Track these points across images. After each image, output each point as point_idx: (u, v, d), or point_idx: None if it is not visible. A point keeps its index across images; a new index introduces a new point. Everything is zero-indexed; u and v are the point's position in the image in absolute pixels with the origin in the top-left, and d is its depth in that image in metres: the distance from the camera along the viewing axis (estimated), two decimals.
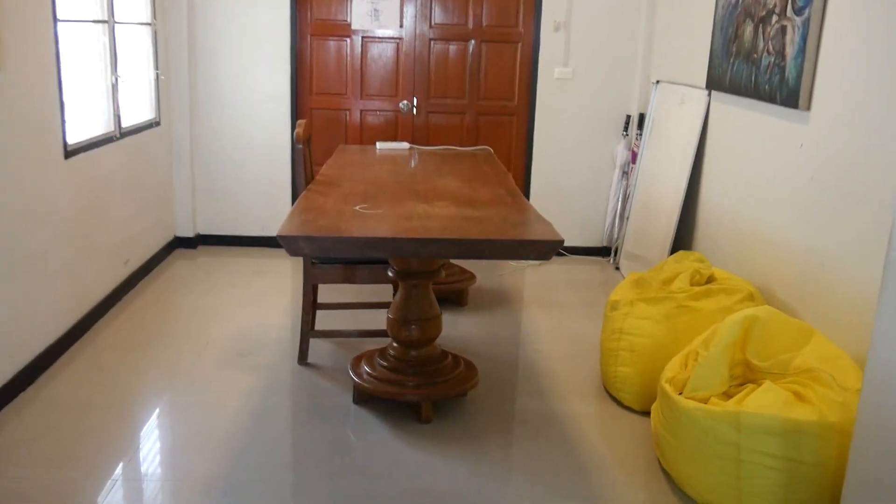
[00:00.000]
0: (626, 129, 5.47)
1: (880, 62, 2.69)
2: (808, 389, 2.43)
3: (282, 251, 5.77)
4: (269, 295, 4.61)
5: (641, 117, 5.39)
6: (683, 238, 4.50)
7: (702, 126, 4.27)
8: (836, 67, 3.01)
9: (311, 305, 3.60)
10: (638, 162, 5.20)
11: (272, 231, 5.55)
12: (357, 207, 3.03)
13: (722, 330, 2.59)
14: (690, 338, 3.15)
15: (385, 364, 3.17)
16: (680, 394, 2.59)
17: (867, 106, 2.77)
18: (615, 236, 5.58)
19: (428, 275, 3.07)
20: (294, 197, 5.50)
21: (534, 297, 4.76)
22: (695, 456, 2.49)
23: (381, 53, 5.37)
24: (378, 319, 4.16)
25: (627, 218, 5.27)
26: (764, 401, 2.38)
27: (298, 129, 3.45)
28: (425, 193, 3.34)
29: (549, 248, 2.67)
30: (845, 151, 2.93)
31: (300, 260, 5.17)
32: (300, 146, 3.40)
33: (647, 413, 3.24)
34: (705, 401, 2.53)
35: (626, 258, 5.21)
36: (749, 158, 3.70)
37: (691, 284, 3.36)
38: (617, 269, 5.37)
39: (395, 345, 3.21)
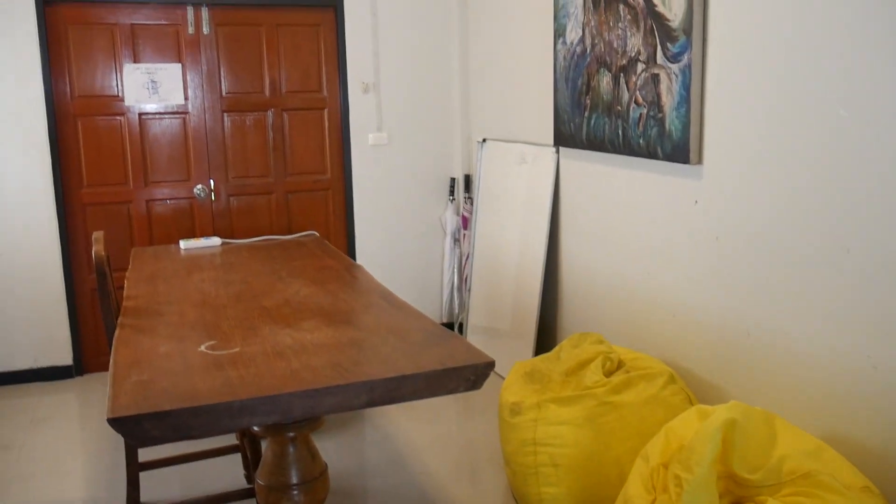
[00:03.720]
0: (451, 192, 5.03)
1: (776, 105, 2.42)
2: (816, 501, 2.02)
3: (65, 384, 4.65)
4: (58, 454, 3.55)
5: (467, 179, 4.98)
6: (548, 308, 4.09)
7: (553, 186, 3.90)
8: (727, 115, 2.72)
9: (135, 474, 2.70)
10: (471, 227, 4.77)
11: (48, 361, 4.44)
12: (203, 347, 2.24)
13: (699, 445, 2.12)
14: (622, 440, 2.68)
15: None
16: None
17: (768, 152, 2.49)
18: (456, 311, 5.09)
19: (309, 423, 2.34)
20: (73, 315, 4.43)
21: None
22: None
23: (166, 131, 4.51)
24: (225, 470, 3.30)
25: (469, 290, 4.80)
26: None
27: (97, 248, 2.57)
28: (279, 311, 2.61)
29: (480, 375, 2.08)
30: (753, 205, 2.63)
31: (97, 398, 4.14)
32: (102, 270, 2.53)
33: None
34: None
35: (476, 333, 4.72)
36: (628, 219, 3.35)
37: (605, 374, 2.90)
38: None
39: None
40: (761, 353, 2.64)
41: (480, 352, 2.13)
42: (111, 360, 2.17)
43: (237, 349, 2.22)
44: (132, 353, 2.22)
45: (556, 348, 3.18)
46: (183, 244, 3.80)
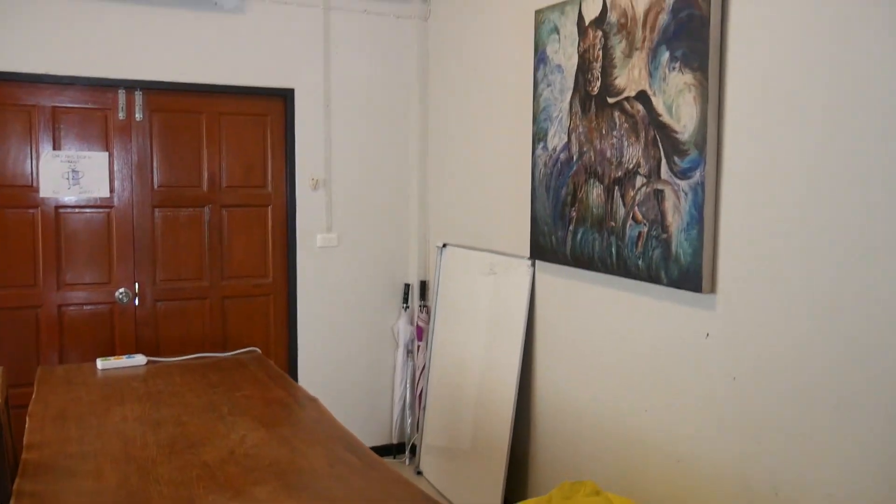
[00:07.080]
0: (405, 300, 4.60)
1: (804, 228, 2.10)
2: None
3: None
4: None
5: (423, 286, 4.57)
6: (520, 438, 3.64)
7: (528, 303, 3.52)
8: (746, 239, 2.40)
9: None
10: (427, 339, 4.33)
11: None
12: None
13: None
14: None
15: None
16: None
17: (794, 283, 2.16)
18: (408, 430, 4.59)
19: None
20: None
21: None
22: None
23: (86, 227, 3.96)
24: None
25: (424, 407, 4.32)
26: None
27: None
28: (223, 469, 2.10)
29: None
30: (776, 342, 2.29)
31: None
32: None
33: None
34: None
35: (431, 453, 4.22)
36: (622, 349, 2.97)
37: None
38: (419, 473, 4.34)
39: None
40: None
41: None
42: None
43: None
44: None
45: (546, 497, 2.73)
46: (100, 364, 3.23)
